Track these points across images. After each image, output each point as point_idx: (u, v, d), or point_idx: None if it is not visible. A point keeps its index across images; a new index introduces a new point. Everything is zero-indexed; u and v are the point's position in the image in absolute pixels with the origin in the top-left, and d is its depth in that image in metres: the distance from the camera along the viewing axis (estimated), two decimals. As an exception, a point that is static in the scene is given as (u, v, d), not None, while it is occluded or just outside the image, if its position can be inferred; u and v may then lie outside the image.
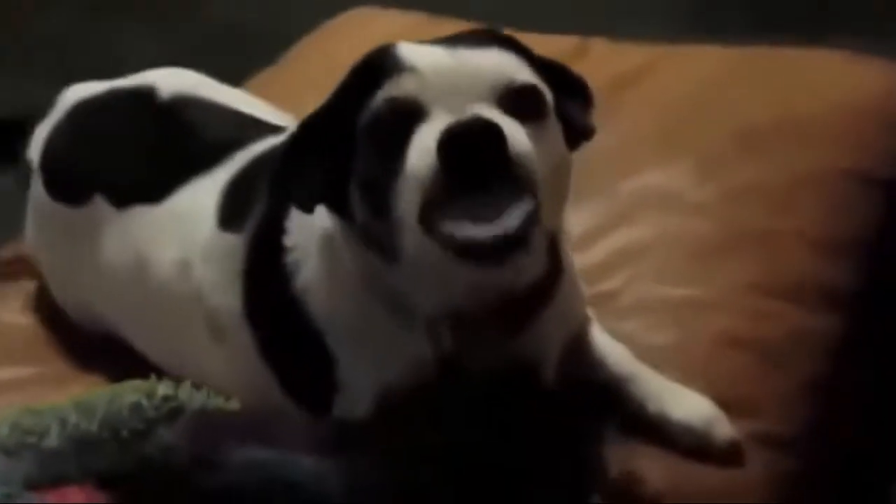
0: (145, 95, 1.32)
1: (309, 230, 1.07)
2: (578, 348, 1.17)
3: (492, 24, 1.91)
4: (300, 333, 1.07)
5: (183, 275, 1.17)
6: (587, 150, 1.51)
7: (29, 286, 1.48)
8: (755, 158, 1.47)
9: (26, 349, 1.38)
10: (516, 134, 0.93)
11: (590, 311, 1.24)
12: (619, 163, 1.51)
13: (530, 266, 1.02)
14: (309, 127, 1.03)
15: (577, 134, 1.05)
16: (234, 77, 1.86)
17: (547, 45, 1.78)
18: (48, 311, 1.42)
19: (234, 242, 1.13)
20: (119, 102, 1.34)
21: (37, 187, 1.34)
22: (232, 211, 1.15)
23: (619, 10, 3.10)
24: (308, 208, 1.02)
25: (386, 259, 0.99)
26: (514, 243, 0.92)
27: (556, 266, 1.08)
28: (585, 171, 1.48)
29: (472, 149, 0.90)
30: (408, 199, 0.93)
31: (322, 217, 1.05)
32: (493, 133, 0.90)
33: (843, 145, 1.49)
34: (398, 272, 1.00)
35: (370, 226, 0.98)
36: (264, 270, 1.10)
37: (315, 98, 1.06)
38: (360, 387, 1.05)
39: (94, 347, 1.34)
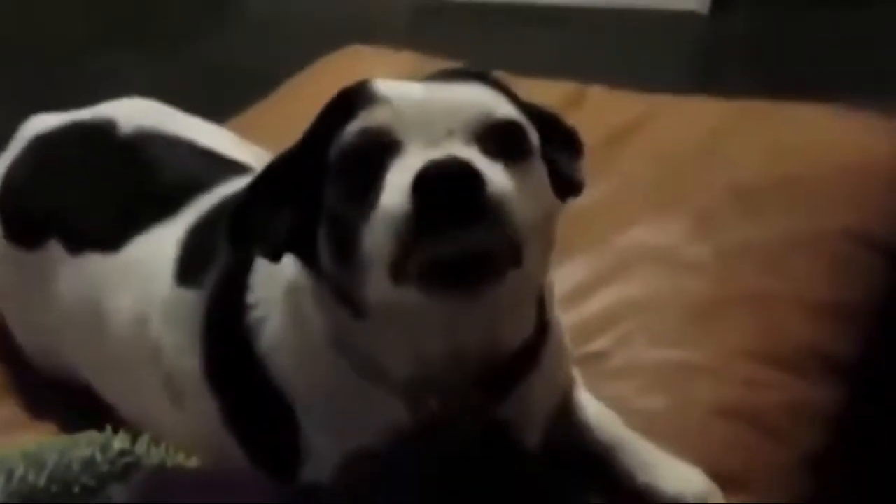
0: (106, 130, 1.26)
1: (273, 286, 1.01)
2: (564, 412, 1.11)
3: (486, 67, 1.91)
4: (264, 398, 1.01)
5: (140, 331, 1.11)
6: (579, 200, 1.47)
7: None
8: (754, 216, 1.42)
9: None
10: (495, 174, 0.86)
11: (577, 372, 1.17)
12: (613, 215, 1.45)
13: (516, 325, 0.97)
14: (277, 166, 0.97)
15: (565, 186, 0.98)
16: (225, 111, 1.82)
17: (544, 90, 1.75)
18: (5, 347, 1.35)
19: (194, 299, 1.07)
20: (78, 138, 1.28)
21: None
22: (191, 264, 1.09)
23: (618, 60, 3.08)
24: (274, 255, 0.94)
25: (356, 315, 0.93)
26: (483, 264, 0.85)
27: (543, 327, 1.02)
28: (576, 223, 1.42)
29: (447, 190, 0.84)
30: (377, 242, 0.86)
31: (287, 271, 0.99)
32: (469, 174, 0.84)
33: (846, 207, 1.43)
34: (368, 330, 0.93)
35: (336, 273, 0.92)
36: (225, 331, 1.04)
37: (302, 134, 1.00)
38: (327, 455, 0.98)
39: (51, 391, 1.28)
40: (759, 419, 1.18)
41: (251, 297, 1.02)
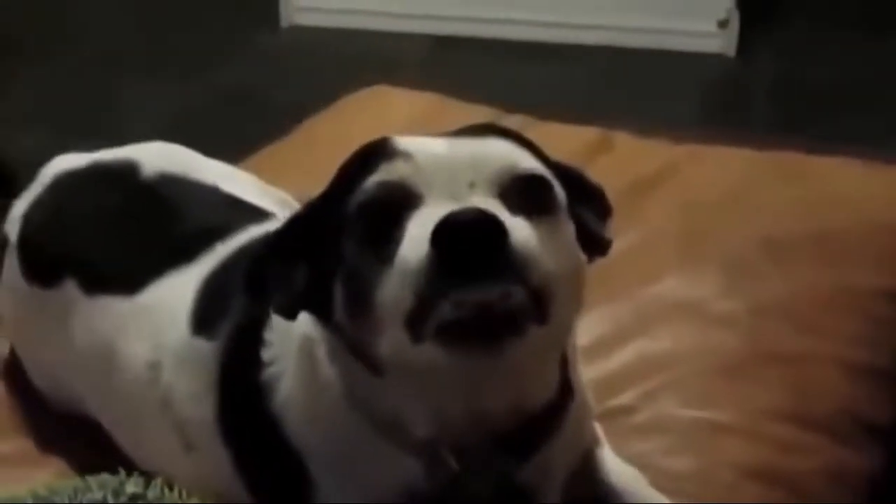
0: (128, 173, 1.24)
1: (289, 341, 0.99)
2: (585, 471, 1.08)
3: (507, 101, 1.89)
4: (277, 453, 0.98)
5: (152, 377, 1.09)
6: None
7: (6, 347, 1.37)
8: (785, 271, 1.39)
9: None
10: (518, 227, 0.84)
11: (601, 427, 1.14)
12: (639, 267, 1.42)
13: (539, 385, 0.94)
14: (296, 220, 0.95)
15: (592, 244, 0.96)
16: (248, 141, 1.82)
17: (571, 136, 1.73)
18: (18, 379, 1.32)
19: (208, 350, 1.04)
20: (100, 179, 1.26)
21: (11, 262, 1.26)
22: (206, 313, 1.06)
23: (643, 101, 3.06)
24: (290, 313, 0.93)
25: (372, 371, 0.90)
26: (504, 320, 0.82)
27: (566, 387, 0.98)
28: (602, 274, 1.39)
29: (468, 241, 0.81)
30: (395, 295, 0.83)
31: (303, 327, 0.96)
32: (491, 225, 0.81)
33: (883, 265, 1.41)
34: (385, 387, 0.91)
35: (352, 329, 0.89)
36: (239, 385, 1.01)
37: (324, 174, 0.97)
38: None
39: (62, 426, 1.25)
40: (791, 482, 1.15)
41: (267, 354, 1.00)
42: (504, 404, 0.91)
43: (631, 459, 1.12)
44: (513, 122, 1.83)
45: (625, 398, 1.24)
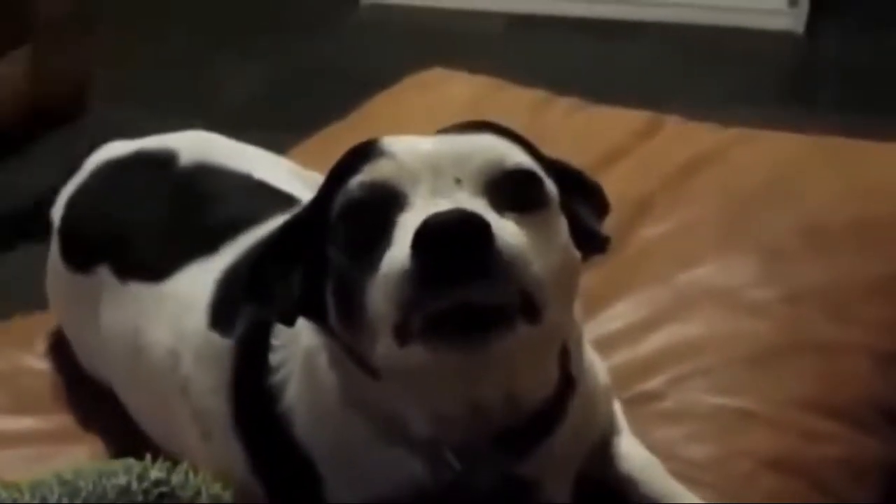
0: (166, 161, 1.27)
1: (294, 346, 1.00)
2: (604, 461, 1.08)
3: (574, 81, 1.88)
4: (287, 452, 1.00)
5: (172, 365, 1.11)
6: (643, 235, 1.45)
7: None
8: (822, 260, 1.38)
9: (35, 399, 1.32)
10: (504, 226, 0.83)
11: (623, 417, 1.14)
12: (677, 252, 1.43)
13: (535, 381, 0.93)
14: (289, 227, 0.95)
15: (588, 241, 0.94)
16: (320, 114, 1.88)
17: (619, 119, 1.73)
18: (63, 356, 1.36)
19: (224, 347, 1.06)
20: (139, 167, 1.29)
21: (54, 247, 1.31)
22: (224, 306, 1.08)
23: (712, 79, 3.03)
24: (288, 320, 0.93)
25: (370, 374, 0.90)
26: (490, 316, 0.81)
27: (568, 382, 0.97)
28: (640, 258, 1.41)
29: (451, 244, 0.79)
30: (379, 305, 0.83)
31: (306, 331, 0.97)
32: (474, 227, 0.80)
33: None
34: (384, 389, 0.91)
35: (345, 334, 0.89)
36: (251, 387, 1.03)
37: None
38: None
39: (101, 403, 1.28)
40: (812, 473, 1.14)
41: (274, 359, 1.01)
42: (499, 401, 0.91)
43: (654, 445, 1.12)
44: (564, 104, 1.84)
45: (654, 384, 1.24)
